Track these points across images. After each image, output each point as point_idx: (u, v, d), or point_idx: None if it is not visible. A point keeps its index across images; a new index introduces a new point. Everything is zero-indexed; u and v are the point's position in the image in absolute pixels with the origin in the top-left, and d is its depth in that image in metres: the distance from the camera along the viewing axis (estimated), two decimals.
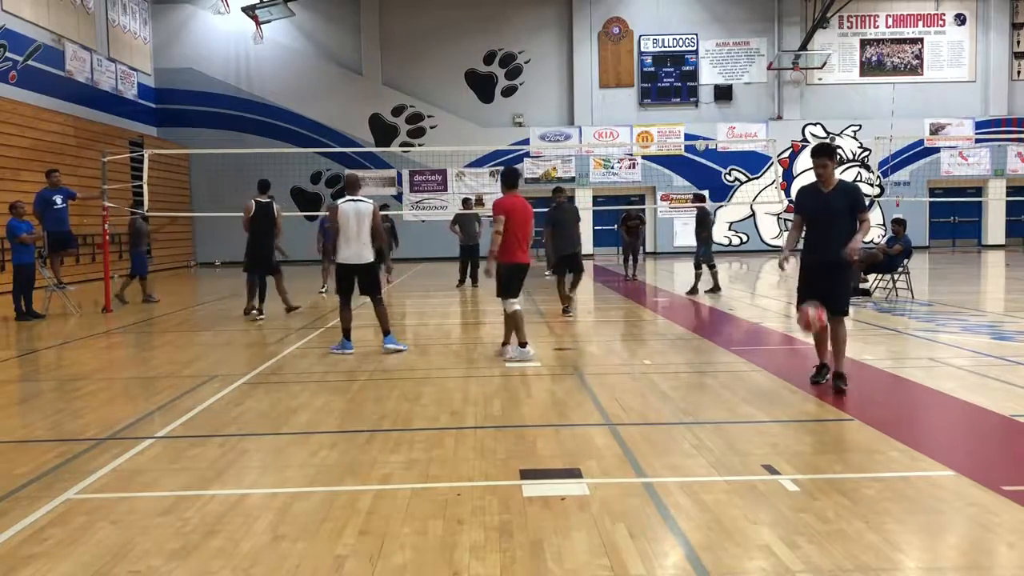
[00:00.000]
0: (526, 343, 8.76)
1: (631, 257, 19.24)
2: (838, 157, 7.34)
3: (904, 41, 31.30)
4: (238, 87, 30.37)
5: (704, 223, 15.58)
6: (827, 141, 6.83)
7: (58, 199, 14.34)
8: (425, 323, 12.68)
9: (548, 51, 30.92)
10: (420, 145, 30.11)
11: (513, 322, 8.76)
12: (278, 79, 30.28)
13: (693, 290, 15.37)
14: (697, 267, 15.55)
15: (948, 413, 6.35)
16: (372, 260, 9.31)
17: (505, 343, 8.98)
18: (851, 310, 13.15)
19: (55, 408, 7.00)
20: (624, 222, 19.25)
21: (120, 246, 23.78)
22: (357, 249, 9.21)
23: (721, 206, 29.34)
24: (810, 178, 7.23)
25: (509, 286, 8.79)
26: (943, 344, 9.36)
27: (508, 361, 8.59)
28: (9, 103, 19.60)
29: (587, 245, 30.32)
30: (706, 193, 29.99)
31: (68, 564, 3.68)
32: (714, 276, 15.55)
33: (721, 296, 14.96)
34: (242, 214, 12.78)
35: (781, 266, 7.25)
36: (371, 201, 9.42)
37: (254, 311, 12.69)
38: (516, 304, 8.76)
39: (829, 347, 7.02)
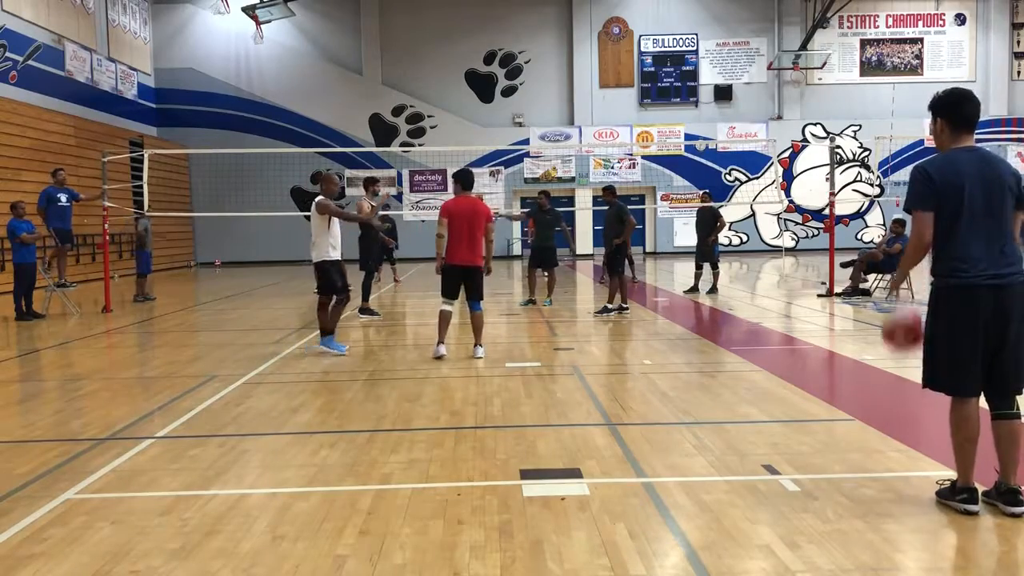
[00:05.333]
0: (441, 342, 9.03)
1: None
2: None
3: (904, 41, 31.32)
4: (238, 87, 30.38)
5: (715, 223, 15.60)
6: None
7: (63, 197, 14.42)
8: (425, 323, 12.67)
9: (548, 51, 30.93)
10: (420, 145, 30.12)
11: (438, 320, 9.13)
12: (278, 79, 30.29)
13: (713, 289, 15.47)
14: (713, 266, 15.58)
15: (948, 413, 6.33)
16: (317, 260, 9.29)
17: (439, 341, 9.09)
18: (852, 310, 13.18)
19: (55, 408, 7.00)
20: None
21: (120, 246, 23.86)
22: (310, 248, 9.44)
23: (721, 206, 29.34)
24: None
25: (444, 286, 9.16)
26: None
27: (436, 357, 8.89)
28: (9, 103, 19.61)
29: (587, 245, 30.46)
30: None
31: (68, 564, 3.67)
32: (698, 277, 15.78)
33: (719, 296, 14.97)
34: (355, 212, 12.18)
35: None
36: (318, 199, 9.32)
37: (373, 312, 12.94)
38: (446, 304, 9.06)
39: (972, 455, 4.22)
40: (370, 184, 12.92)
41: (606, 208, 13.31)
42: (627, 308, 12.67)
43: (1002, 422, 4.05)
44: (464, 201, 8.95)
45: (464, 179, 9.11)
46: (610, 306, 12.53)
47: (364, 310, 12.69)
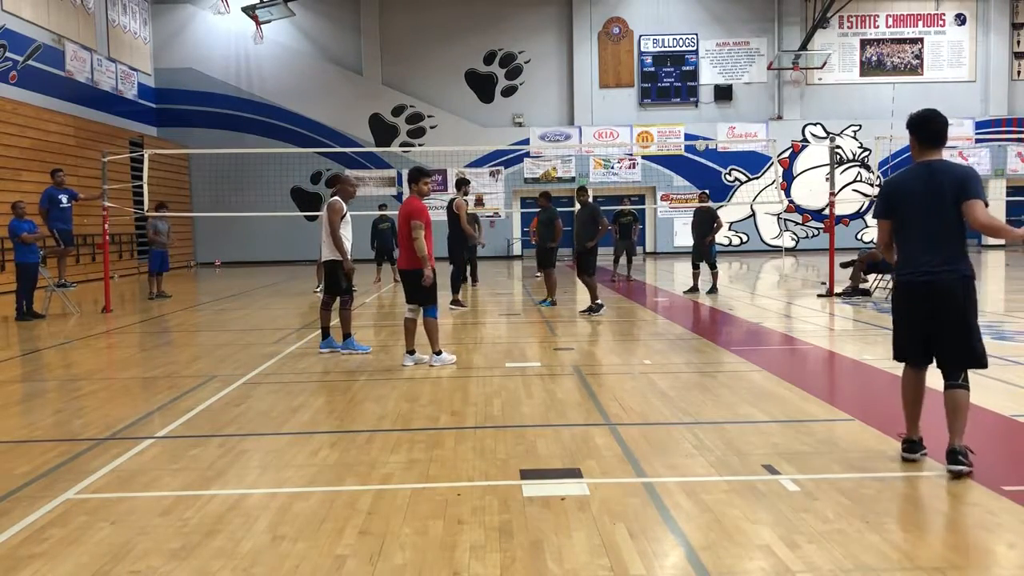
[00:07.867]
0: (408, 352, 8.60)
1: (622, 256, 19.35)
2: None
3: (904, 41, 31.30)
4: (238, 87, 30.36)
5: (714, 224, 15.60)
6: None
7: (63, 198, 14.48)
8: None
9: (548, 51, 30.92)
10: (420, 145, 30.11)
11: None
12: (278, 79, 30.28)
13: (713, 288, 15.46)
14: (712, 267, 15.56)
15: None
16: (328, 259, 9.28)
17: (406, 351, 8.69)
18: (852, 310, 13.14)
19: (55, 408, 7.00)
20: (615, 220, 19.21)
21: (120, 246, 23.88)
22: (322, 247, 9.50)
23: (721, 206, 29.36)
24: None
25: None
26: None
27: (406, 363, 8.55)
28: (10, 103, 19.60)
29: None
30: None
31: (68, 564, 3.67)
32: (696, 276, 15.82)
33: (719, 296, 14.97)
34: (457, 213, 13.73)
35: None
36: (330, 200, 9.35)
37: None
38: (407, 311, 8.67)
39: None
40: (463, 185, 13.90)
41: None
42: (602, 307, 12.63)
43: (946, 392, 4.74)
44: (404, 202, 8.77)
45: (408, 177, 8.82)
46: (594, 306, 12.56)
47: (455, 302, 13.33)
